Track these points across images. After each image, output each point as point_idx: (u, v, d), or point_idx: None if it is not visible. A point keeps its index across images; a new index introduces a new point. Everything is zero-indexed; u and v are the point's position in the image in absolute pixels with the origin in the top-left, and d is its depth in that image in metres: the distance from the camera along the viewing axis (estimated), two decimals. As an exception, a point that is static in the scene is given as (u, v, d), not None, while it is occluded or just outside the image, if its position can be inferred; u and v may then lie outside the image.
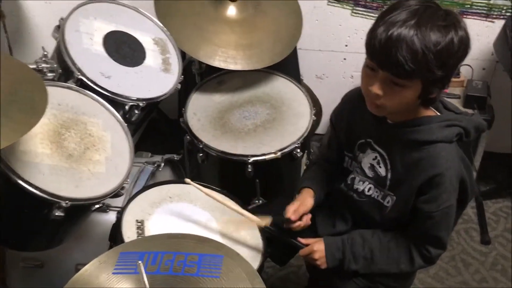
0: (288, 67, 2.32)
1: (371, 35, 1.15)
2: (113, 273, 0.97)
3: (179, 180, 1.63)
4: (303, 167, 2.14)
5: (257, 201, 1.91)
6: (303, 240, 1.42)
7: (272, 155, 1.80)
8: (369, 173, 1.35)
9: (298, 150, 1.85)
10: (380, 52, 1.12)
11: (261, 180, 1.88)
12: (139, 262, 0.82)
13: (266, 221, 1.42)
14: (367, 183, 1.35)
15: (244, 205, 1.58)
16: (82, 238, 1.58)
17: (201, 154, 1.86)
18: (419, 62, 1.09)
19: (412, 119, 1.25)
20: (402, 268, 1.33)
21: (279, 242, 1.48)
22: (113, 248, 1.04)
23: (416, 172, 1.25)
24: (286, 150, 1.82)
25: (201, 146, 1.83)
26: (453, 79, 2.33)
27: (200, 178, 2.01)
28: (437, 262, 2.14)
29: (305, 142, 1.93)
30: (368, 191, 1.36)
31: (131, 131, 1.81)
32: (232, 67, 1.90)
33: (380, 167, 1.33)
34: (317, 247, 1.38)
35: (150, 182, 1.77)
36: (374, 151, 1.33)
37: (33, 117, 1.05)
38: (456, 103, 2.27)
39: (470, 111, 2.22)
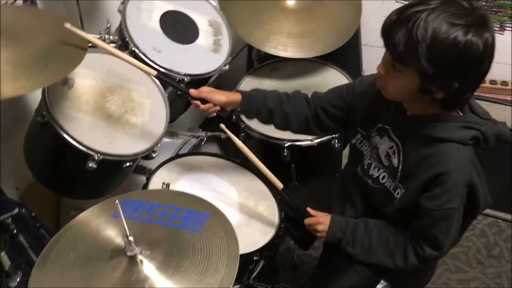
0: (347, 60, 2.34)
1: (389, 14, 1.16)
2: (111, 216, 1.10)
3: (211, 153, 1.73)
4: (345, 160, 2.15)
5: (292, 185, 1.97)
6: (312, 211, 1.45)
7: (308, 142, 1.85)
8: (385, 161, 1.34)
9: (336, 141, 1.87)
10: (385, 30, 1.14)
11: (298, 166, 1.93)
12: (116, 201, 0.93)
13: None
14: (382, 171, 1.35)
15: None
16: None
17: (243, 134, 1.96)
18: (410, 48, 1.08)
19: (429, 114, 1.24)
20: (397, 264, 1.32)
21: (302, 226, 1.52)
22: (119, 195, 1.17)
23: (425, 168, 1.23)
24: (323, 139, 1.85)
25: (243, 126, 1.92)
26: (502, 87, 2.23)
27: (242, 158, 2.11)
28: (480, 276, 2.11)
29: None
30: (382, 179, 1.36)
31: (182, 105, 1.96)
32: (282, 54, 1.96)
33: (394, 157, 1.32)
34: (323, 220, 1.42)
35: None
36: (391, 140, 1.33)
37: (65, 70, 1.21)
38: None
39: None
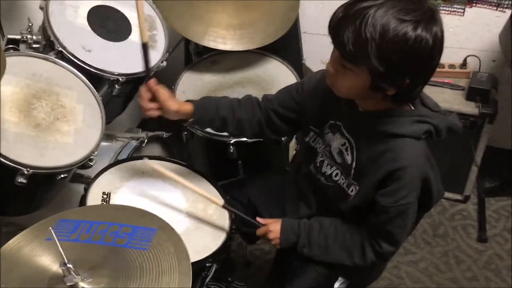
0: (288, 50, 2.30)
1: (335, 10, 1.11)
2: (46, 240, 0.99)
3: (153, 156, 1.64)
4: (292, 152, 2.13)
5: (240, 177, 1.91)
6: (261, 220, 1.42)
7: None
8: (338, 158, 1.32)
9: (282, 134, 1.83)
10: (333, 28, 1.09)
11: (245, 161, 1.88)
12: (50, 228, 0.83)
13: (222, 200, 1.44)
14: (335, 168, 1.32)
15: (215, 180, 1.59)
16: (60, 206, 1.62)
17: (186, 133, 1.88)
18: (359, 47, 1.04)
19: (381, 110, 1.21)
20: (355, 262, 1.31)
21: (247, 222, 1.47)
22: (53, 215, 1.06)
23: (379, 165, 1.21)
24: (269, 133, 1.80)
25: (185, 125, 1.83)
26: (460, 70, 2.26)
27: (187, 157, 2.03)
28: (428, 256, 2.16)
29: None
30: (335, 176, 1.33)
31: (119, 105, 1.85)
32: (221, 47, 1.89)
33: (347, 154, 1.29)
34: (273, 228, 1.38)
35: (132, 157, 1.78)
36: (343, 137, 1.30)
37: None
38: (460, 95, 2.20)
39: (472, 104, 2.15)
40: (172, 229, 1.02)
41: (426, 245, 2.23)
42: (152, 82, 1.34)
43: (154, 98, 1.35)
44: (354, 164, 1.27)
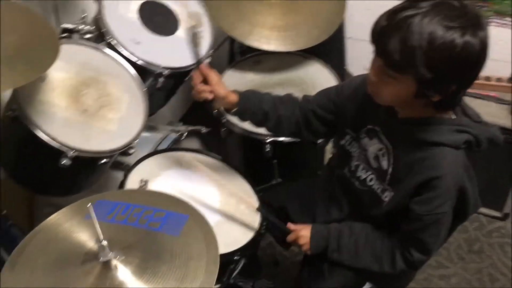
0: (331, 54, 2.30)
1: (377, 19, 1.12)
2: (85, 218, 1.04)
3: (191, 149, 1.68)
4: (329, 155, 2.13)
5: (274, 182, 1.93)
6: (292, 226, 1.43)
7: (291, 138, 1.81)
8: (373, 163, 1.31)
9: (319, 136, 1.84)
10: (376, 37, 1.09)
11: (281, 162, 1.90)
12: (89, 205, 0.88)
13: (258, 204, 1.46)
14: (370, 173, 1.32)
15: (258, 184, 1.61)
16: (99, 192, 1.68)
17: (224, 129, 1.91)
18: (406, 56, 1.04)
19: (422, 117, 1.20)
20: (384, 269, 1.30)
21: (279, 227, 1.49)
22: (93, 196, 1.12)
23: (416, 172, 1.20)
24: (306, 134, 1.81)
25: (224, 121, 1.87)
26: (507, 84, 2.21)
27: (224, 153, 2.07)
28: (461, 272, 2.11)
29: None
30: (370, 181, 1.32)
31: (162, 98, 1.91)
32: (265, 47, 1.92)
33: (384, 159, 1.29)
34: (303, 233, 1.39)
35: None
36: (381, 142, 1.30)
37: (35, 72, 1.13)
38: (506, 109, 2.15)
39: (517, 119, 2.09)
40: (203, 218, 1.05)
41: (459, 260, 2.19)
42: (203, 65, 1.37)
43: (206, 82, 1.37)
44: (390, 169, 1.27)
